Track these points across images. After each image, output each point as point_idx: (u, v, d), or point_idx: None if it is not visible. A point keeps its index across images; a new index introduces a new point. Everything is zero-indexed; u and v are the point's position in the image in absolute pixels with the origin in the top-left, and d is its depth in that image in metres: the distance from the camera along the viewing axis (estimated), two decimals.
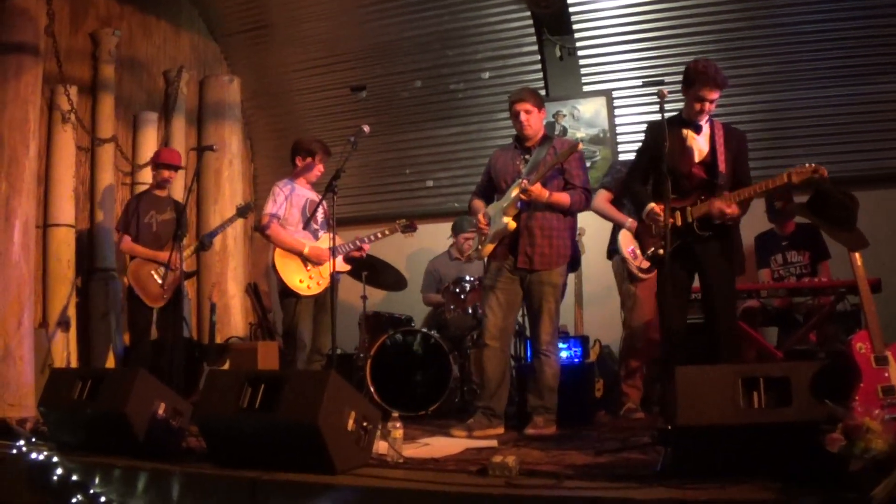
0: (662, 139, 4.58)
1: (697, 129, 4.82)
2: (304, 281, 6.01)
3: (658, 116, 4.66)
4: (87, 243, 7.68)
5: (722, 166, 4.74)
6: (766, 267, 6.55)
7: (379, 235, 6.35)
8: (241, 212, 6.95)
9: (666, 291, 4.66)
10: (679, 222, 4.70)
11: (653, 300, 6.11)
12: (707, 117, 4.83)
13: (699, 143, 4.82)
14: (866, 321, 3.95)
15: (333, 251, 5.65)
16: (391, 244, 7.86)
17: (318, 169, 6.30)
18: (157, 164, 6.86)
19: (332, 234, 5.62)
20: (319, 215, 6.19)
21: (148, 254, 6.59)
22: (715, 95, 4.72)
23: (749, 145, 6.88)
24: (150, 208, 6.74)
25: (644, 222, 4.88)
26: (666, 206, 4.46)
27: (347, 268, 6.35)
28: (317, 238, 6.16)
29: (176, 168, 6.89)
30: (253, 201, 8.61)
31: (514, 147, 5.58)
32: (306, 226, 6.06)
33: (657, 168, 4.80)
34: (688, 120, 4.83)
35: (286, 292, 6.03)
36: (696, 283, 4.97)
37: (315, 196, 6.20)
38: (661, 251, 4.61)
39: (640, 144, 5.20)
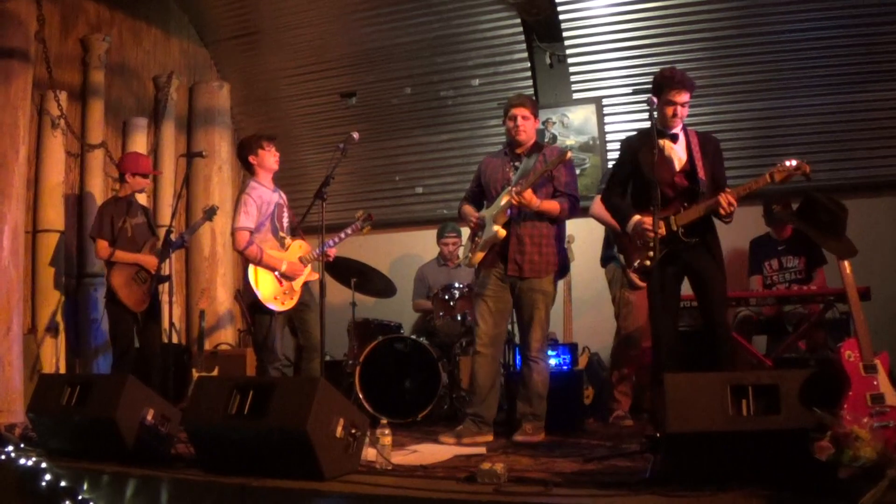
0: (641, 149, 4.67)
1: (674, 139, 4.85)
2: (278, 297, 5.95)
3: (647, 124, 4.69)
4: (77, 249, 7.64)
5: (701, 173, 4.76)
6: (759, 273, 6.56)
7: (343, 236, 6.27)
8: (209, 214, 6.89)
9: (655, 301, 4.68)
10: (664, 231, 4.70)
11: (647, 307, 6.14)
12: (681, 124, 4.86)
13: (678, 153, 4.85)
14: (855, 329, 3.96)
15: (323, 269, 5.68)
16: (379, 251, 7.86)
17: (273, 155, 6.14)
18: (135, 173, 6.65)
19: (320, 239, 5.65)
20: (285, 221, 6.16)
21: (130, 257, 6.46)
22: (684, 98, 4.75)
23: (738, 153, 6.86)
24: (123, 213, 6.57)
25: (628, 235, 4.87)
26: (655, 216, 4.46)
27: (316, 276, 6.18)
28: (284, 246, 6.10)
29: (147, 176, 6.80)
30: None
31: (504, 154, 5.57)
32: (275, 233, 6.05)
33: (637, 180, 4.85)
34: (663, 129, 4.83)
35: (259, 308, 5.96)
36: (685, 291, 4.99)
37: (282, 200, 6.16)
38: (649, 262, 4.61)
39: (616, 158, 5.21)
